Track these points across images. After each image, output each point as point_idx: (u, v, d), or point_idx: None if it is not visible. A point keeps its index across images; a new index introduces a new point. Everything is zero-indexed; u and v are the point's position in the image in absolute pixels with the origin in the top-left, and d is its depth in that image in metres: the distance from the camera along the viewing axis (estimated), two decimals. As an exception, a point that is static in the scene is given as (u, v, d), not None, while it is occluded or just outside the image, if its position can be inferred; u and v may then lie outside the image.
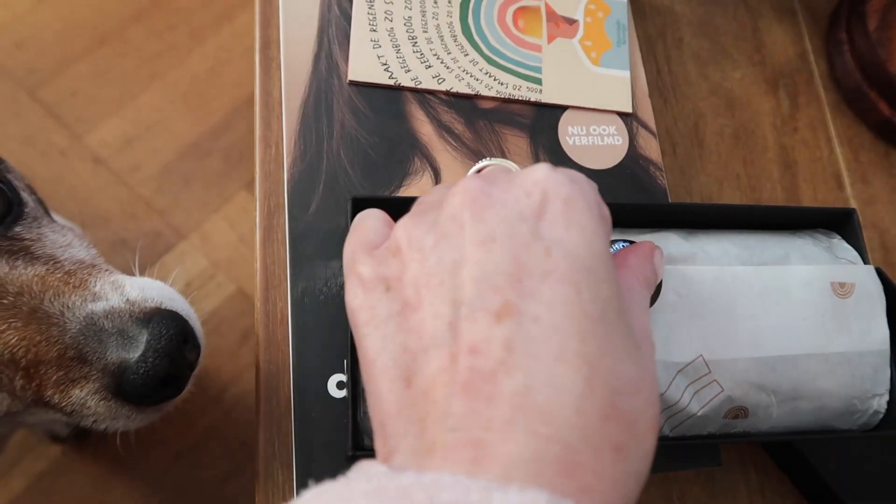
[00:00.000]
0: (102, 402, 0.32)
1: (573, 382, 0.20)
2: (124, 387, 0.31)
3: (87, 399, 0.32)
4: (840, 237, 0.41)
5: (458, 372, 0.21)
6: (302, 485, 0.34)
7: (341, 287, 0.37)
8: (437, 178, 0.40)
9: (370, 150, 0.40)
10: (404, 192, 0.40)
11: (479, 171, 0.38)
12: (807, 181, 0.51)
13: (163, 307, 0.34)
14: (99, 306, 0.32)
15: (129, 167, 1.09)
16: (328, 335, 0.36)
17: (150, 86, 1.14)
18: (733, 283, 0.35)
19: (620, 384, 0.21)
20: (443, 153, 0.41)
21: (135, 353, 0.31)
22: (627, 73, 0.45)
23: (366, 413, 0.32)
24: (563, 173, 0.25)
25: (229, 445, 0.95)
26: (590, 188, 0.25)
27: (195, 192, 1.09)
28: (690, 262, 0.36)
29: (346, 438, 0.34)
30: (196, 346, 0.34)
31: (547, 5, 0.45)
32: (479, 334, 0.21)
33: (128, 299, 0.33)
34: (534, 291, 0.22)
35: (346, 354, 0.35)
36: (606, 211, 0.25)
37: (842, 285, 0.36)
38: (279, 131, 0.43)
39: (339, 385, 0.36)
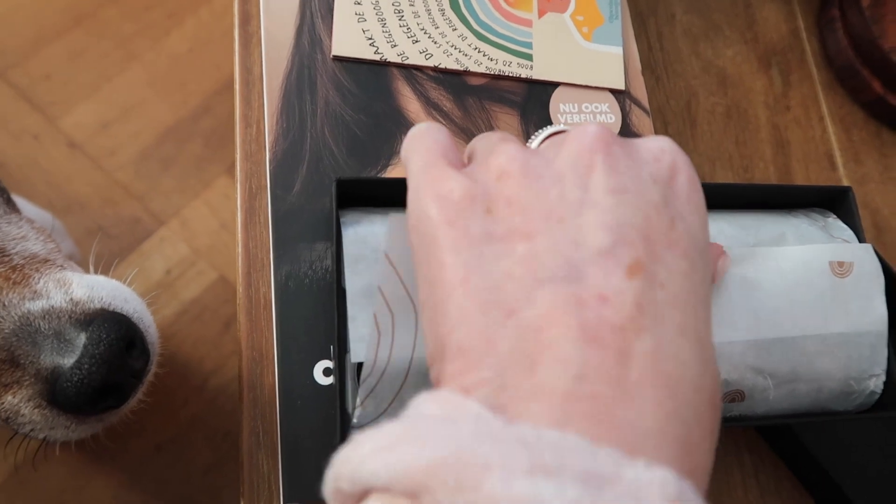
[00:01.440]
0: (37, 411, 0.29)
1: (693, 360, 0.20)
2: (57, 395, 0.29)
3: (20, 406, 0.29)
4: (835, 216, 0.40)
5: (583, 316, 0.19)
6: (288, 475, 0.33)
7: (327, 270, 0.36)
8: (425, 157, 0.39)
9: (356, 127, 0.39)
10: (391, 172, 0.38)
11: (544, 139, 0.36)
12: (799, 161, 0.50)
13: (109, 308, 0.31)
14: (37, 305, 0.29)
15: (106, 152, 1.06)
16: (314, 320, 0.35)
17: (126, 68, 1.11)
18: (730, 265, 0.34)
19: (716, 370, 0.21)
20: (431, 131, 0.39)
21: (70, 359, 0.28)
22: (620, 50, 0.44)
23: (359, 404, 0.30)
24: (682, 150, 0.24)
25: (213, 436, 0.94)
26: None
27: (175, 177, 1.06)
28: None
29: (333, 427, 0.33)
30: (144, 353, 0.31)
31: (537, -21, 0.44)
32: (611, 285, 0.20)
33: (71, 299, 0.31)
34: (661, 256, 0.21)
35: (333, 340, 0.34)
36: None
37: (840, 264, 0.36)
38: (260, 110, 0.41)
39: (326, 372, 0.34)
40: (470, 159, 0.27)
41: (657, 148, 0.24)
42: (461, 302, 0.21)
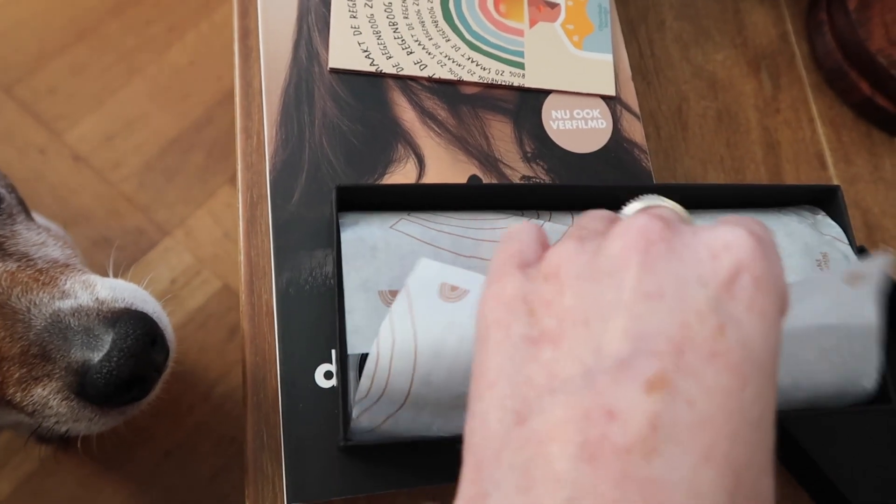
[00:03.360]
0: (65, 403, 0.31)
1: (716, 492, 0.18)
2: (87, 387, 0.30)
3: (49, 398, 0.31)
4: (825, 213, 0.41)
5: (586, 432, 0.18)
6: (291, 476, 0.34)
7: (326, 276, 0.37)
8: (420, 165, 0.40)
9: (353, 137, 0.40)
10: (388, 180, 0.39)
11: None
12: (790, 161, 0.51)
13: (132, 308, 0.33)
14: (66, 304, 0.31)
15: (110, 164, 1.07)
16: (314, 325, 0.36)
17: (129, 81, 1.13)
18: None
19: None
20: (426, 140, 0.41)
21: (99, 353, 0.30)
22: (610, 57, 0.45)
23: (355, 417, 0.31)
24: (759, 240, 0.21)
25: (219, 442, 0.95)
26: (778, 261, 0.22)
27: (178, 187, 1.07)
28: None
29: (335, 429, 0.34)
30: (164, 349, 0.33)
31: (528, -11, 0.45)
32: (623, 399, 0.18)
33: (97, 298, 0.32)
34: (695, 370, 0.19)
35: (335, 343, 0.35)
36: (787, 294, 0.22)
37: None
38: (260, 121, 0.42)
39: (327, 375, 0.35)
40: None
41: (720, 243, 0.21)
42: (484, 407, 0.21)
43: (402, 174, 0.40)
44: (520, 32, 0.44)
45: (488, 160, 0.41)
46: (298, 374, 0.35)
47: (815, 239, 0.39)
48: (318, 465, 0.34)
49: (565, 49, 0.44)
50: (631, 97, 0.45)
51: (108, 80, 1.12)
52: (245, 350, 0.39)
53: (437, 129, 0.41)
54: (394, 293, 0.32)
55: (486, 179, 0.40)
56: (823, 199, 0.41)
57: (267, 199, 0.40)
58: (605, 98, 0.44)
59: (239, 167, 0.42)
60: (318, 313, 0.36)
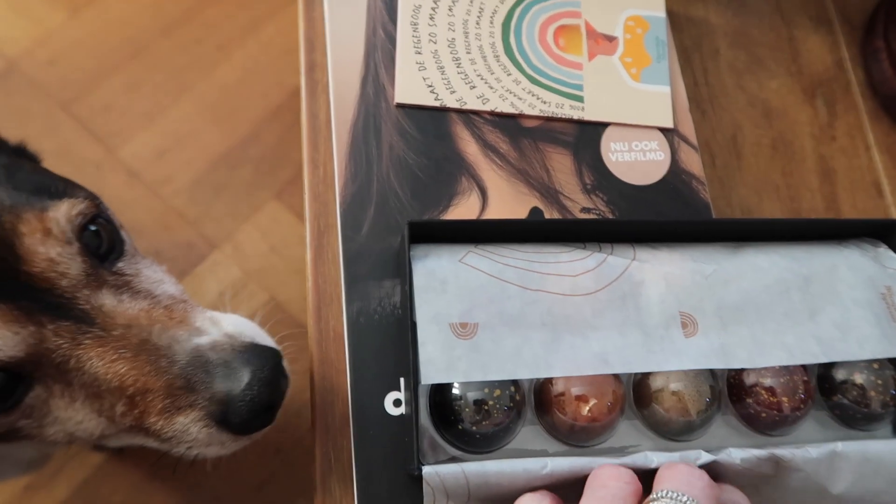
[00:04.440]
0: (205, 430, 0.33)
1: None
2: (230, 415, 0.33)
3: (189, 426, 0.33)
4: (886, 246, 0.41)
5: None
6: (363, 500, 0.35)
7: (395, 306, 0.38)
8: (483, 197, 0.41)
9: (418, 170, 0.41)
10: (452, 211, 0.41)
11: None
12: (846, 190, 0.51)
13: (257, 342, 0.35)
14: (204, 340, 0.34)
15: (162, 179, 1.11)
16: (383, 354, 0.37)
17: (180, 98, 1.16)
18: None
19: None
20: (489, 172, 0.42)
21: (240, 384, 0.32)
22: (668, 89, 0.46)
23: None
24: None
25: (264, 453, 0.97)
26: None
27: (226, 202, 1.10)
28: (741, 279, 0.37)
29: (403, 456, 0.35)
30: (286, 378, 0.35)
31: (587, 23, 0.46)
32: None
33: (226, 333, 0.35)
34: None
35: (405, 372, 0.36)
36: None
37: None
38: (326, 153, 0.44)
39: (396, 403, 0.37)
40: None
41: None
42: None
43: (465, 206, 0.41)
44: (579, 66, 0.45)
45: (549, 192, 0.42)
46: (368, 400, 0.37)
47: (878, 272, 0.39)
48: (388, 490, 0.35)
49: (623, 82, 0.45)
50: (688, 129, 0.45)
51: (160, 98, 1.16)
52: (313, 374, 0.40)
53: (499, 161, 0.42)
54: (464, 325, 0.34)
55: (547, 211, 0.41)
56: (884, 233, 0.41)
57: (334, 229, 0.41)
58: (663, 130, 0.45)
59: (306, 198, 0.44)
60: (386, 342, 0.37)
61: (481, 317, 0.34)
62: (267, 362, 0.33)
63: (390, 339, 0.38)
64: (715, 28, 0.55)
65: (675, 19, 0.53)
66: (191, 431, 0.33)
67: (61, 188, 0.36)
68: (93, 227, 0.35)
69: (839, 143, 0.53)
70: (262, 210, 1.10)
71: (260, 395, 0.33)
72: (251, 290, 1.05)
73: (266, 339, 0.36)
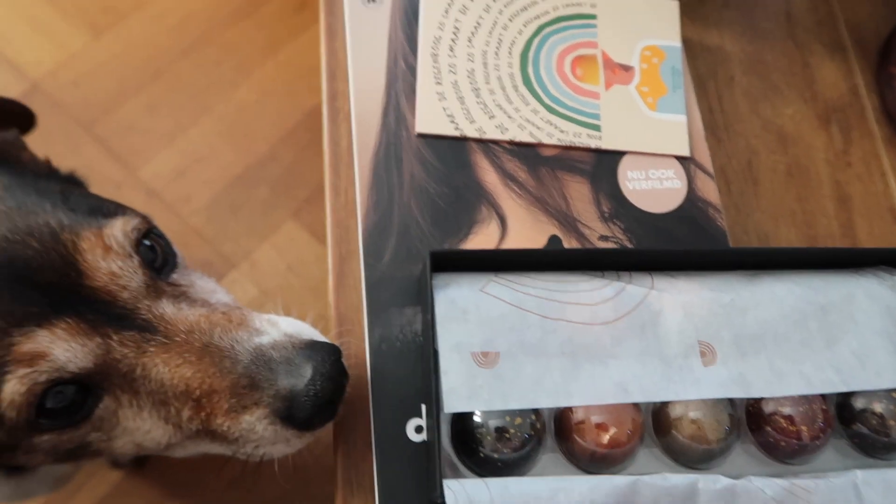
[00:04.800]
0: (270, 427, 0.34)
1: None
2: (294, 410, 0.33)
3: (255, 424, 0.34)
4: (903, 276, 0.42)
5: None
6: (385, 526, 0.36)
7: (416, 334, 0.39)
8: (502, 225, 0.42)
9: (439, 199, 0.42)
10: (472, 240, 0.41)
11: None
12: (862, 216, 0.52)
13: (316, 339, 0.36)
14: (264, 339, 0.35)
15: (181, 198, 1.12)
16: (405, 380, 0.38)
17: (199, 119, 1.18)
18: None
19: None
20: (508, 200, 0.42)
21: (303, 379, 0.33)
22: (684, 118, 0.46)
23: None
24: None
25: (283, 470, 0.97)
26: None
27: (243, 221, 1.12)
28: (758, 308, 0.37)
29: (425, 481, 0.36)
30: (346, 373, 0.36)
31: (604, 53, 0.47)
32: None
33: (285, 333, 0.36)
34: None
35: (430, 401, 0.37)
36: None
37: None
38: (348, 180, 0.45)
39: (418, 429, 0.37)
40: None
41: None
42: None
43: (485, 234, 0.41)
44: (596, 95, 0.46)
45: (567, 220, 0.42)
46: (390, 426, 0.37)
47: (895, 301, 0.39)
48: (410, 517, 0.36)
49: (640, 111, 0.46)
50: (705, 157, 0.46)
51: (180, 118, 1.18)
52: (335, 400, 0.41)
53: (518, 190, 0.43)
54: (485, 354, 0.34)
55: (565, 239, 0.42)
56: (901, 261, 0.42)
57: (356, 255, 0.42)
58: (679, 158, 0.45)
59: (328, 223, 0.45)
60: (408, 369, 0.38)
61: (502, 345, 0.34)
62: (327, 358, 0.34)
63: (412, 366, 0.38)
64: (730, 55, 0.56)
65: (691, 46, 0.54)
66: (257, 429, 0.34)
67: (113, 208, 0.38)
68: (147, 242, 0.37)
69: (855, 169, 0.53)
70: (278, 229, 1.11)
71: (323, 389, 0.33)
72: (267, 308, 1.06)
73: (323, 338, 0.37)
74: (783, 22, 0.58)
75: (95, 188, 0.48)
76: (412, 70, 0.45)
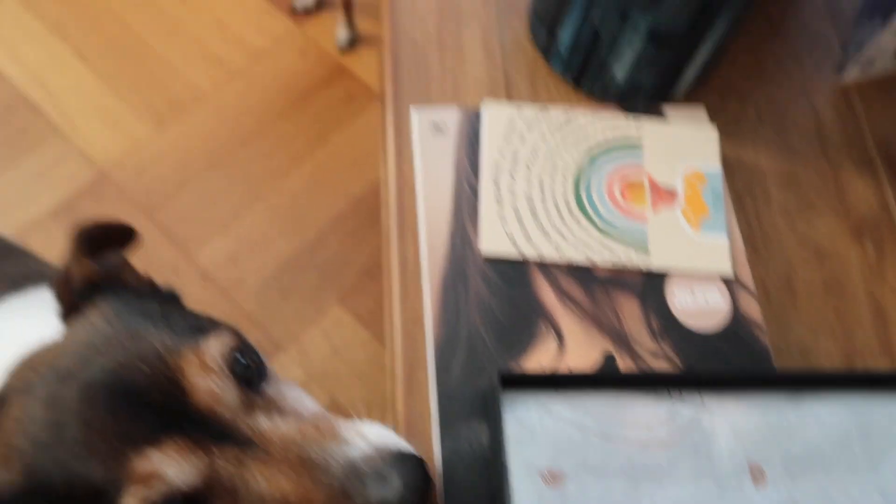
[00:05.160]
0: None
1: None
2: None
3: None
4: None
5: None
6: None
7: (483, 447, 0.42)
8: (560, 341, 0.45)
9: (501, 316, 0.46)
10: (532, 354, 0.45)
11: None
12: (899, 328, 0.54)
13: (401, 450, 0.38)
14: (355, 451, 0.37)
15: (234, 282, 1.18)
16: (474, 492, 0.41)
17: (252, 205, 1.25)
18: None
19: None
20: (564, 318, 0.46)
21: (392, 491, 0.36)
22: (726, 239, 0.50)
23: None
24: None
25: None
26: None
27: (292, 305, 1.17)
28: (804, 429, 0.40)
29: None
30: (431, 482, 0.38)
31: (650, 178, 0.51)
32: None
33: (372, 444, 0.38)
34: None
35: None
36: None
37: None
38: (415, 293, 0.49)
39: (485, 538, 0.40)
40: None
41: None
42: None
43: (543, 349, 0.45)
44: (643, 218, 0.50)
45: (620, 337, 0.46)
46: (459, 535, 0.40)
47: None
48: None
49: (685, 232, 0.50)
50: (747, 276, 0.49)
51: (235, 205, 1.25)
52: None
53: (573, 307, 0.46)
54: (552, 474, 0.37)
55: (618, 355, 0.45)
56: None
57: (423, 364, 0.46)
58: (723, 278, 0.49)
59: (398, 336, 0.49)
60: (477, 482, 0.41)
61: (567, 465, 0.37)
62: (414, 470, 0.36)
63: (481, 480, 0.41)
64: (765, 171, 0.60)
65: (728, 163, 0.58)
66: None
67: (206, 324, 0.41)
68: (240, 356, 0.40)
69: (889, 282, 0.56)
70: (326, 314, 1.16)
71: (412, 500, 0.35)
72: (313, 392, 1.09)
73: (407, 447, 0.39)
74: (814, 139, 0.62)
75: (155, 273, 0.52)
76: (475, 193, 0.50)
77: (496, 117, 0.52)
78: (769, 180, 0.60)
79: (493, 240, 0.48)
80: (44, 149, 1.26)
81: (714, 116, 0.59)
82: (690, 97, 0.60)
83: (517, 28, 0.63)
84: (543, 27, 0.58)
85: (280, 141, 1.32)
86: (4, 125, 1.28)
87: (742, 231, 0.56)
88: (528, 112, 0.53)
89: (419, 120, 0.53)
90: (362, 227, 1.23)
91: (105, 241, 0.49)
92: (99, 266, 0.46)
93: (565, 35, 0.55)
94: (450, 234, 0.48)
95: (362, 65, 1.39)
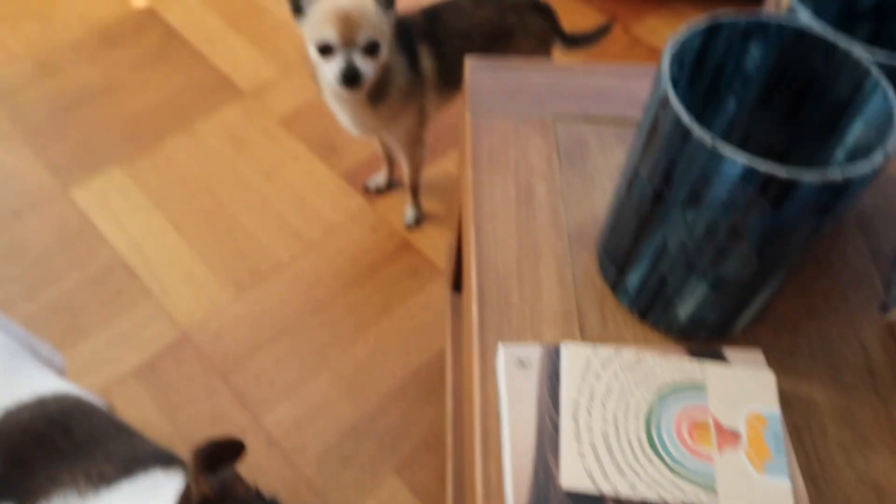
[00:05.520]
0: None
1: None
2: None
3: None
4: None
5: None
6: None
7: None
8: (636, 580, 0.49)
9: (582, 552, 0.50)
10: (611, 593, 0.49)
11: None
12: (963, 574, 0.56)
13: None
14: None
15: (297, 448, 1.23)
16: None
17: (319, 372, 1.33)
18: None
19: None
20: (640, 557, 0.50)
21: None
22: (789, 483, 0.54)
23: None
24: None
25: None
26: None
27: (351, 474, 1.20)
28: None
29: None
30: None
31: (714, 419, 0.57)
32: None
33: None
34: None
35: None
36: None
37: None
38: (499, 516, 0.54)
39: None
40: None
41: None
42: None
43: (622, 588, 0.49)
44: (710, 459, 0.55)
45: (693, 580, 0.49)
46: None
47: None
48: None
49: (749, 475, 0.54)
50: (810, 522, 0.53)
51: (303, 371, 1.33)
52: None
53: (648, 547, 0.50)
54: None
55: None
56: None
57: None
58: (787, 522, 0.52)
59: (483, 559, 0.53)
60: None
61: None
62: None
63: None
64: (821, 406, 0.65)
65: (784, 397, 0.63)
66: None
67: None
68: None
69: (950, 526, 0.58)
70: (383, 484, 1.19)
71: None
72: (368, 567, 1.11)
73: None
74: (865, 375, 0.67)
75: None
76: (556, 427, 0.55)
77: (575, 356, 0.59)
78: (825, 415, 0.64)
79: (574, 475, 0.53)
80: (135, 310, 1.38)
81: (768, 350, 0.65)
82: (746, 331, 0.66)
83: (588, 262, 0.71)
84: (613, 266, 0.66)
85: (348, 310, 1.41)
86: (103, 286, 1.41)
87: (801, 464, 0.60)
88: (603, 352, 0.60)
89: (505, 355, 0.60)
90: (421, 399, 1.28)
91: (219, 457, 0.56)
92: (214, 483, 0.53)
93: (634, 277, 0.63)
94: (533, 466, 0.54)
95: (427, 241, 1.51)
